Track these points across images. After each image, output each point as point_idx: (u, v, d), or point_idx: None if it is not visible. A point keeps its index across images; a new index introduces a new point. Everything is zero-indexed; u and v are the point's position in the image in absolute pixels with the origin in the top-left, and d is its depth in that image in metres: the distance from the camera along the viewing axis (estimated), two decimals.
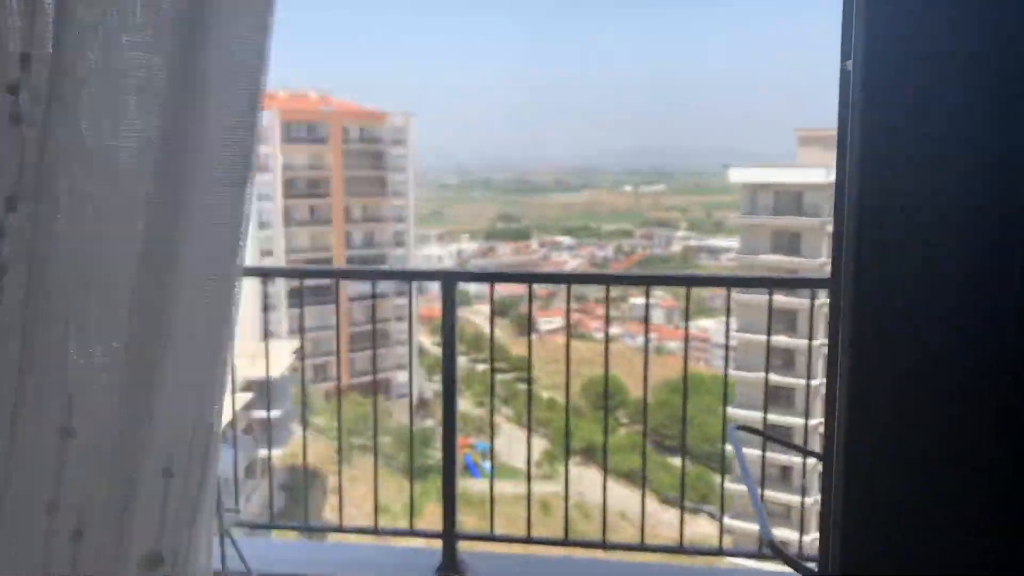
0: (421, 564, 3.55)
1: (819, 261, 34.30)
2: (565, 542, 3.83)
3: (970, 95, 0.77)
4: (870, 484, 0.91)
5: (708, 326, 76.66)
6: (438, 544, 3.47)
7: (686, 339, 4.32)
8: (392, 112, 60.06)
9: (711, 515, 41.50)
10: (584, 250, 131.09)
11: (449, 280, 3.41)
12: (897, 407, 0.87)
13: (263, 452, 29.20)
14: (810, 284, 3.84)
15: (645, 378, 4.17)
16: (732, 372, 35.26)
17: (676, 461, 52.95)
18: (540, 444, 52.61)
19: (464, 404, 61.36)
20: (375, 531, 3.78)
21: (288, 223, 55.67)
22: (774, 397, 33.53)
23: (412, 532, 3.77)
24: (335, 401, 44.56)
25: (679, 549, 4.01)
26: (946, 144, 0.77)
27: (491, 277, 3.94)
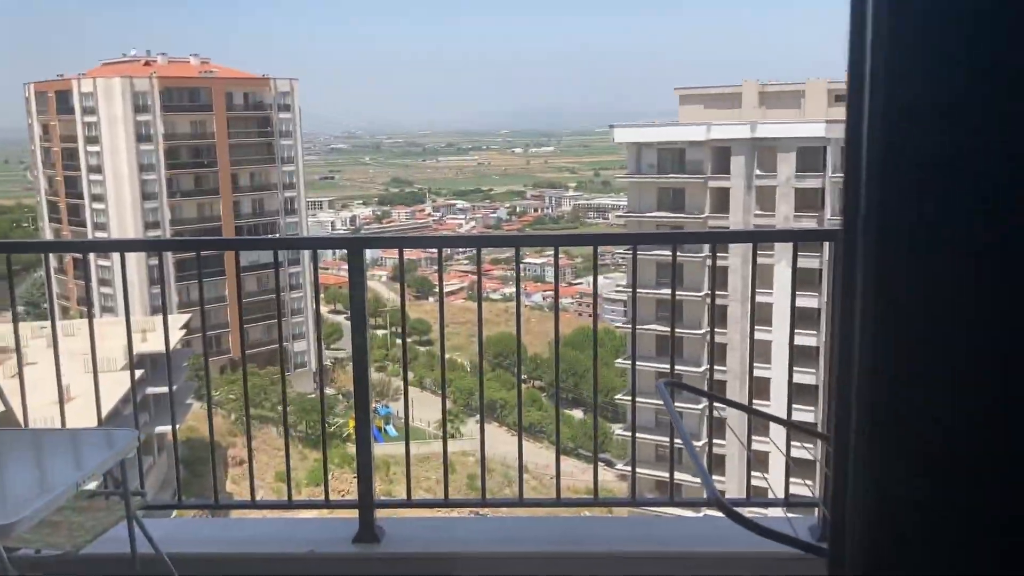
0: (337, 535, 3.42)
1: (703, 216, 35.60)
2: (483, 503, 3.71)
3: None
4: (907, 464, 0.79)
5: (600, 282, 77.42)
6: (353, 514, 3.38)
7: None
8: (276, 77, 58.52)
9: (608, 463, 42.79)
10: (478, 212, 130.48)
11: (356, 247, 3.28)
12: (927, 365, 0.76)
13: (159, 429, 28.49)
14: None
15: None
16: (622, 326, 36.28)
17: (575, 413, 53.99)
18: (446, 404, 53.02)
19: None
20: (289, 504, 3.60)
21: (173, 194, 53.90)
22: (665, 348, 34.60)
23: (327, 503, 3.61)
24: (230, 374, 43.63)
25: (631, 502, 3.85)
26: (976, 90, 0.71)
27: (399, 242, 3.82)
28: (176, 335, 33.93)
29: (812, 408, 32.31)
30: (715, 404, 2.66)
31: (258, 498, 3.76)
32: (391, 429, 53.12)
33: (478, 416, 55.62)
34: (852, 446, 0.85)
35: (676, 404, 2.24)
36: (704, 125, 35.51)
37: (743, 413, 2.70)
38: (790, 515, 3.57)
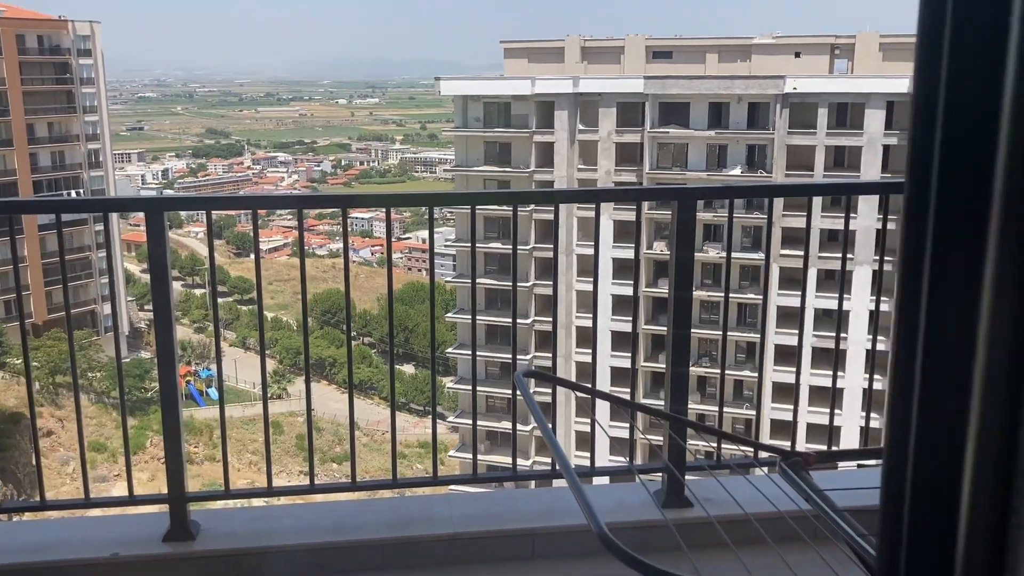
0: (145, 534, 3.08)
1: (529, 171, 36.10)
2: (312, 489, 3.32)
3: None
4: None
5: (425, 236, 77.74)
6: (164, 508, 3.08)
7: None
8: (75, 20, 53.92)
9: (441, 416, 43.20)
10: (301, 165, 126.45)
11: (155, 209, 2.96)
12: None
13: None
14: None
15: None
16: (451, 280, 36.42)
17: (406, 368, 53.96)
18: (268, 364, 51.76)
19: (183, 331, 58.40)
20: (86, 503, 3.20)
21: None
22: (493, 301, 34.99)
23: (132, 500, 3.21)
24: (33, 340, 40.49)
25: (472, 478, 3.56)
26: None
27: (206, 203, 3.35)
28: None
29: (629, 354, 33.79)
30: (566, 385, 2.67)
31: (67, 485, 3.39)
32: (213, 392, 51.28)
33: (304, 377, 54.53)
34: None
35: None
36: (529, 79, 35.84)
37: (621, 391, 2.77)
38: (641, 479, 3.66)
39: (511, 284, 3.65)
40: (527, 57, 38.74)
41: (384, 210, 3.49)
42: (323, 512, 3.32)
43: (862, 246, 28.65)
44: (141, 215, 3.03)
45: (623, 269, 33.20)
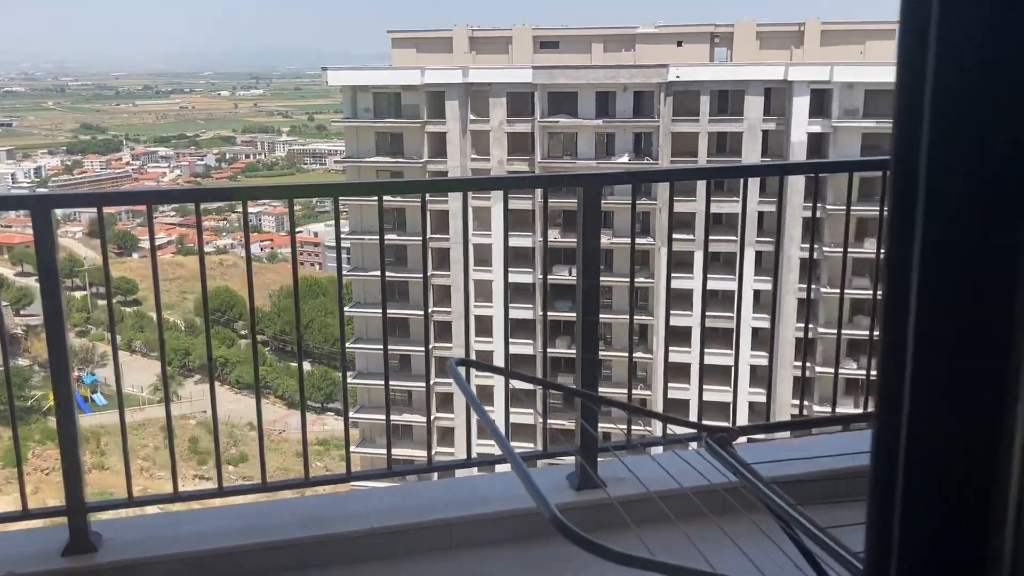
0: (43, 548, 2.91)
1: (422, 161, 35.89)
2: (220, 491, 3.17)
3: None
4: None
5: (318, 230, 76.59)
6: (62, 520, 2.92)
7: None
8: None
9: (339, 412, 42.65)
10: (184, 159, 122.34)
11: (42, 207, 2.82)
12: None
13: None
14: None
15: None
16: (348, 274, 35.96)
17: (303, 365, 53.02)
18: (158, 366, 49.97)
19: None
20: None
21: None
22: (390, 293, 34.68)
23: (27, 514, 3.02)
24: None
25: (386, 473, 3.47)
26: None
27: (98, 200, 3.26)
28: None
29: (530, 341, 34.16)
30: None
31: None
32: (99, 397, 49.20)
33: (196, 377, 52.99)
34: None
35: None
36: (418, 69, 35.60)
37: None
38: (554, 463, 3.68)
39: (422, 275, 3.66)
40: (415, 47, 38.45)
41: (277, 203, 3.41)
42: (233, 515, 3.21)
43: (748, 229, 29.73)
44: (12, 215, 2.86)
45: (517, 257, 33.46)
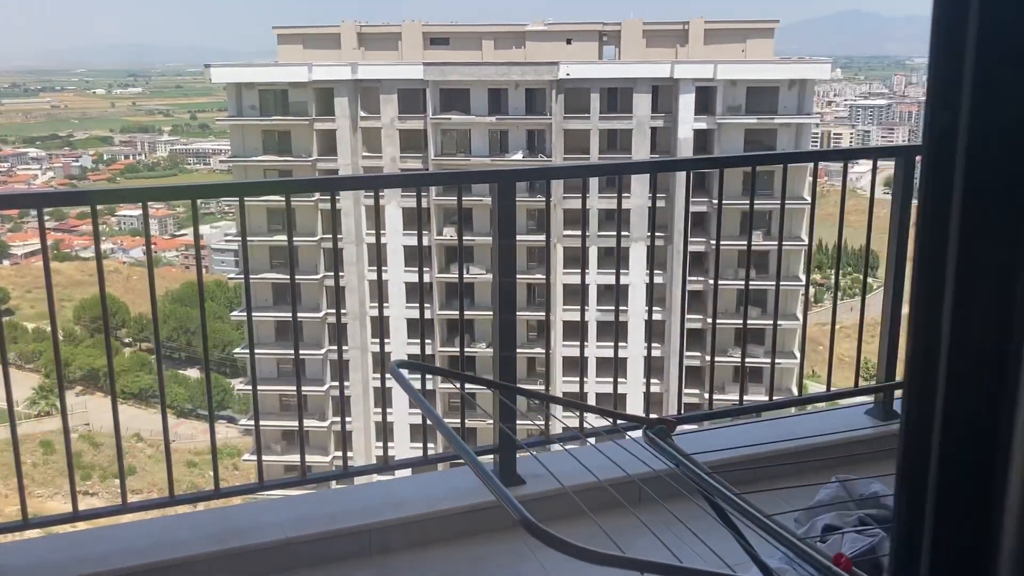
0: None
1: (312, 159, 35.18)
2: (124, 508, 3.03)
3: None
4: None
5: (205, 232, 74.19)
6: None
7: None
8: None
9: (230, 420, 41.41)
10: (57, 161, 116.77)
11: None
12: None
13: None
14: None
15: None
16: (234, 277, 34.93)
17: (190, 373, 51.33)
18: (34, 379, 47.50)
19: None
20: None
21: None
22: (281, 296, 33.93)
23: None
24: None
25: (299, 481, 3.43)
26: None
27: (37, 200, 3.20)
28: None
29: (428, 341, 33.90)
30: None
31: None
32: None
33: (77, 388, 50.56)
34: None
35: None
36: (305, 66, 34.86)
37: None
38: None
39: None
40: (302, 43, 37.63)
41: (159, 205, 3.21)
42: (139, 532, 3.04)
43: (636, 225, 30.30)
44: None
45: (413, 256, 33.18)
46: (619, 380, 3.94)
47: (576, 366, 30.39)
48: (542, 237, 33.69)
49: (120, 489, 3.04)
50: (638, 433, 2.11)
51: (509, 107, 35.42)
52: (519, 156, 35.24)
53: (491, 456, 3.31)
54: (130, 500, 3.02)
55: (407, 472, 3.56)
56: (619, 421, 3.04)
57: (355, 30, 37.67)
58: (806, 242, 37.09)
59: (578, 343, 28.07)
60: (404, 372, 2.01)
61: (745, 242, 4.27)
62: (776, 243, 3.96)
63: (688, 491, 1.92)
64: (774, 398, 4.08)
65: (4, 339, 2.84)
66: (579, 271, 30.23)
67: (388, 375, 2.07)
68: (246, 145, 35.74)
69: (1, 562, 2.81)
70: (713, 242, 31.55)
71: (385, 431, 3.68)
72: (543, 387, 4.03)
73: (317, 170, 34.90)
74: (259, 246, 32.94)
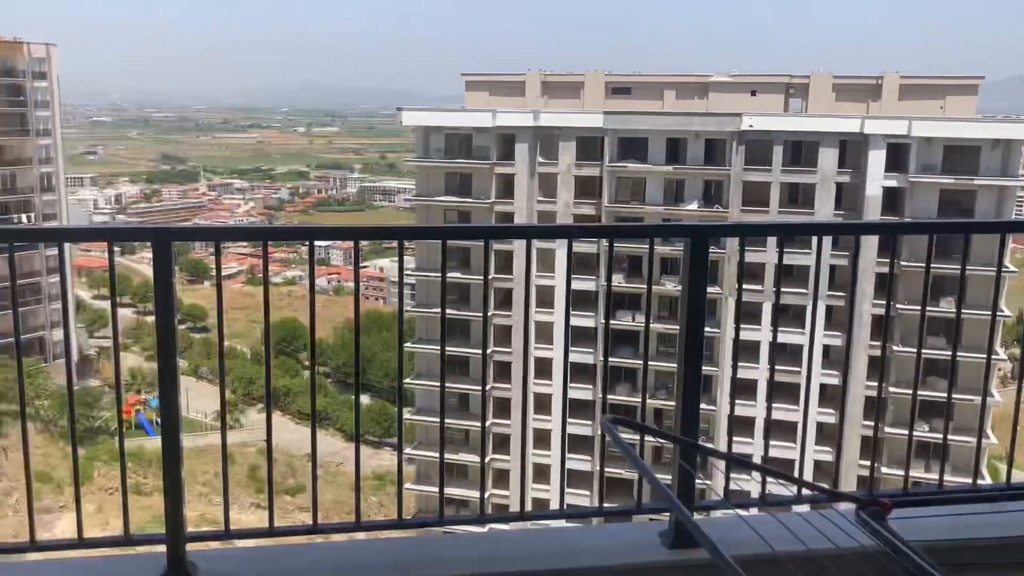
0: (140, 574, 2.92)
1: (490, 201, 36.22)
2: (314, 528, 3.13)
3: None
4: None
5: (384, 265, 77.40)
6: (160, 548, 2.93)
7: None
8: (31, 42, 53.14)
9: (393, 448, 42.66)
10: (258, 192, 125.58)
11: (163, 240, 2.89)
12: None
13: None
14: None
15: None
16: (411, 310, 36.20)
17: (363, 399, 53.26)
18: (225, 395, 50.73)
19: (134, 359, 57.14)
20: (80, 543, 3.01)
21: None
22: (452, 330, 34.80)
23: (129, 540, 3.03)
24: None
25: (479, 519, 3.47)
26: None
27: (218, 235, 3.40)
28: None
29: (589, 386, 33.86)
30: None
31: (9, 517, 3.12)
32: None
33: (259, 406, 53.68)
34: None
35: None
36: (490, 112, 36.04)
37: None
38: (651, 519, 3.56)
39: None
40: (488, 90, 38.98)
41: (355, 247, 3.35)
42: (324, 553, 3.16)
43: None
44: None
45: (581, 301, 33.31)
46: (824, 449, 3.76)
47: (744, 425, 29.38)
48: (714, 289, 32.79)
49: (311, 510, 3.22)
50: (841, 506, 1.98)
51: (687, 157, 35.13)
52: (694, 206, 34.80)
53: (667, 514, 3.21)
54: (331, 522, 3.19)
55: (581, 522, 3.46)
56: (812, 492, 2.84)
57: (540, 78, 38.62)
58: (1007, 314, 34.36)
59: (753, 402, 26.73)
60: (615, 427, 2.00)
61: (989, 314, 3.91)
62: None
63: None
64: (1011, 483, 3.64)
65: (222, 358, 3.04)
66: (758, 327, 29.23)
67: (598, 426, 2.05)
68: (430, 185, 37.24)
69: (203, 567, 2.94)
70: (901, 306, 29.81)
71: (563, 477, 3.63)
72: (711, 443, 3.89)
73: (494, 213, 35.81)
74: (434, 281, 34.05)
